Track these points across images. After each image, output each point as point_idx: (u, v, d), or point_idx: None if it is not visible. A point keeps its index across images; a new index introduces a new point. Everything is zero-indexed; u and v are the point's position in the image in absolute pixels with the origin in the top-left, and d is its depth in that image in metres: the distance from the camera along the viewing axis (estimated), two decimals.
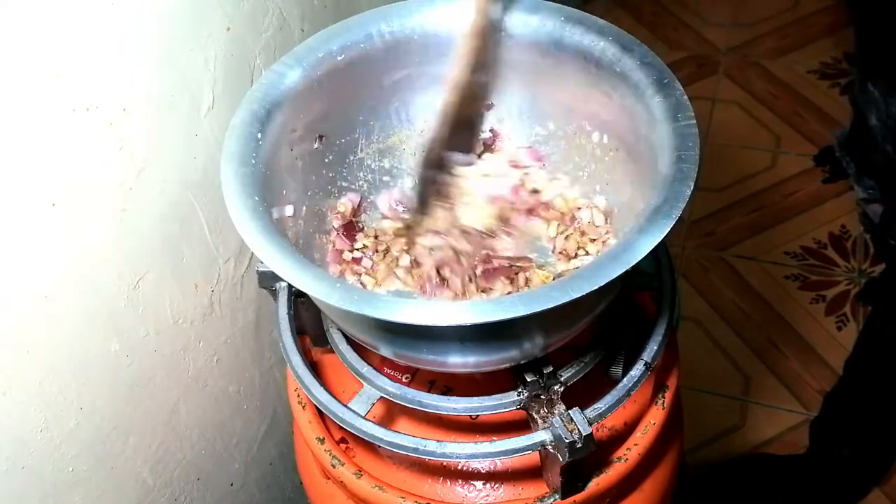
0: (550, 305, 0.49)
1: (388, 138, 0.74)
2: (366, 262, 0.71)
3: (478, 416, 0.70)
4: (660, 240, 0.51)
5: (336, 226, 0.72)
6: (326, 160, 0.70)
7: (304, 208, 0.67)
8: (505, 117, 0.74)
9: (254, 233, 0.55)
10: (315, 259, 0.68)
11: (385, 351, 0.61)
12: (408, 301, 0.53)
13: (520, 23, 0.68)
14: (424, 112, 0.74)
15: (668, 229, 0.52)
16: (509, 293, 0.67)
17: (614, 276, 0.50)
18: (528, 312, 0.49)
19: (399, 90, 0.72)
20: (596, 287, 0.50)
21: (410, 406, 0.63)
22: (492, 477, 0.70)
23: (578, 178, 0.73)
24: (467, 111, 0.70)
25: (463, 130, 0.71)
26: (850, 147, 1.66)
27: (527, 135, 0.74)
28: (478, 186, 0.72)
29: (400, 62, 0.70)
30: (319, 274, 0.53)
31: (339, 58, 0.67)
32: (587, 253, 0.70)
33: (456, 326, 0.50)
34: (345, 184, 0.73)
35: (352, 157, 0.73)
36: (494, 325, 0.50)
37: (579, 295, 0.49)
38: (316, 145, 0.69)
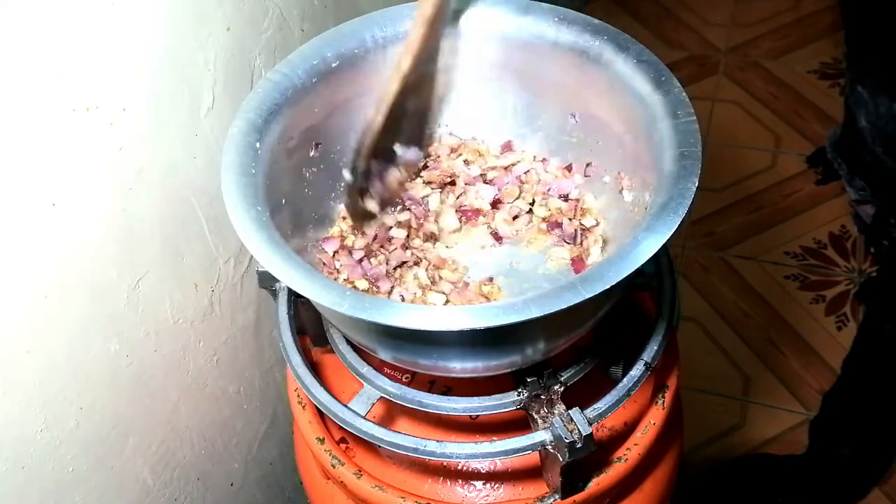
0: (563, 306, 0.49)
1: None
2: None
3: (478, 416, 0.70)
4: (669, 237, 0.52)
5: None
6: (323, 167, 0.70)
7: (303, 215, 0.67)
8: (501, 118, 0.74)
9: (260, 244, 0.54)
10: (315, 263, 0.68)
11: (389, 356, 0.61)
12: (418, 307, 0.53)
13: (513, 24, 0.68)
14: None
15: (677, 226, 0.52)
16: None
17: (626, 274, 0.50)
18: (542, 314, 0.49)
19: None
20: (608, 286, 0.50)
21: (410, 406, 0.63)
22: (492, 477, 0.70)
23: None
24: (413, 103, 0.68)
25: (410, 123, 0.69)
26: (841, 148, 1.66)
27: (522, 135, 0.74)
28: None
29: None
30: (328, 283, 0.53)
31: (334, 64, 0.67)
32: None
33: (469, 330, 0.50)
34: (341, 190, 0.73)
35: (349, 163, 0.72)
36: (506, 328, 0.49)
37: (592, 295, 0.49)
38: (312, 153, 0.68)
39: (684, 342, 0.80)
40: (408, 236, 0.70)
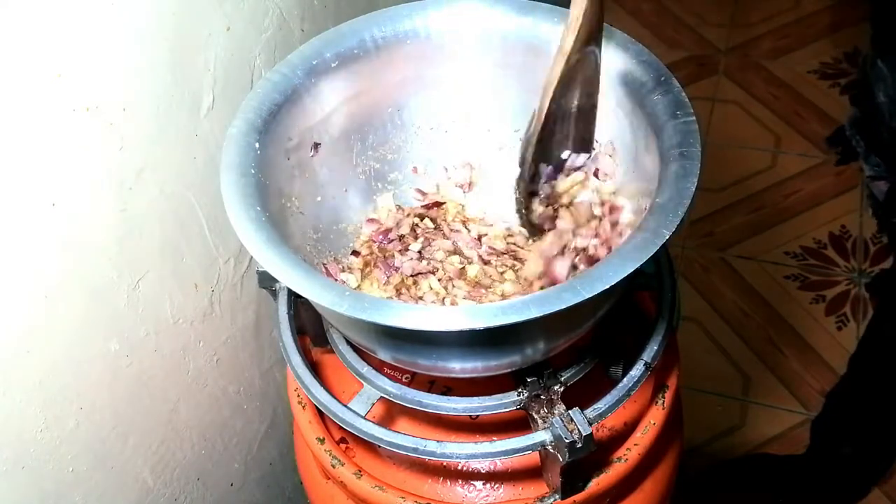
0: (563, 306, 0.49)
1: (384, 144, 0.74)
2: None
3: (478, 416, 0.70)
4: (668, 237, 0.51)
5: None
6: (322, 168, 0.70)
7: (302, 214, 0.67)
8: (500, 119, 0.74)
9: (259, 244, 0.54)
10: (315, 264, 0.68)
11: (388, 356, 0.60)
12: (417, 307, 0.53)
13: (513, 24, 0.68)
14: (419, 116, 0.74)
15: (676, 226, 0.52)
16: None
17: (626, 274, 0.50)
18: (541, 314, 0.49)
19: (393, 95, 0.72)
20: (608, 286, 0.50)
21: (410, 406, 0.63)
22: (492, 477, 0.70)
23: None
24: (578, 98, 0.63)
25: (576, 123, 0.64)
26: (860, 126, 1.66)
27: (521, 136, 0.74)
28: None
29: (393, 67, 0.70)
30: (327, 283, 0.53)
31: (333, 65, 0.67)
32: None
33: (468, 331, 0.49)
34: (341, 190, 0.73)
35: (348, 164, 0.73)
36: (505, 328, 0.49)
37: (592, 295, 0.49)
38: (311, 153, 0.68)
39: (684, 342, 0.80)
40: (424, 248, 0.70)
